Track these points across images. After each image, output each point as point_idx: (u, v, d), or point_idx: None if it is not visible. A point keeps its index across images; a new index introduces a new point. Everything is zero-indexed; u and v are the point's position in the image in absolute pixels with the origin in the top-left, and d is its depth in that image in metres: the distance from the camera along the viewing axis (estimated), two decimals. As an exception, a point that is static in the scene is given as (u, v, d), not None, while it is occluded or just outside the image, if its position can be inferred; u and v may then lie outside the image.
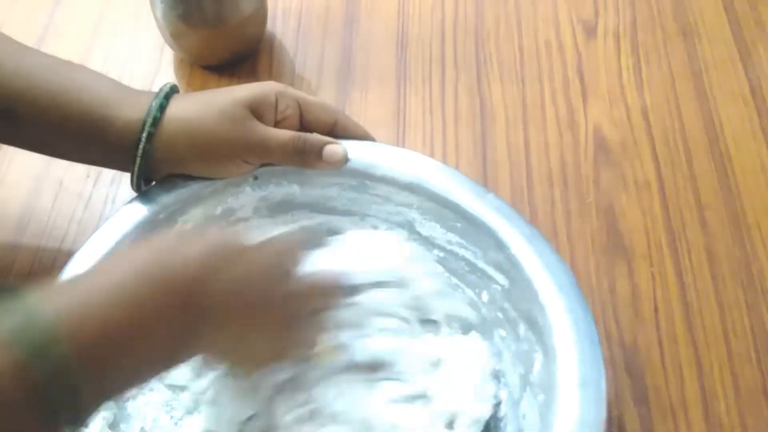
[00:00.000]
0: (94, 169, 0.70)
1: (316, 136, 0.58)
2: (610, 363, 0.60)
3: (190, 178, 0.58)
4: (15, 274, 0.65)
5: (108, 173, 0.70)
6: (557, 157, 0.71)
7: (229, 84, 0.76)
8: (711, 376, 0.60)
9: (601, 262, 0.65)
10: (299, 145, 0.57)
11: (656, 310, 0.63)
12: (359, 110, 0.74)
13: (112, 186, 0.69)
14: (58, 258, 0.65)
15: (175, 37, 0.75)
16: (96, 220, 0.67)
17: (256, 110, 0.57)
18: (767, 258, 0.65)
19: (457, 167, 0.70)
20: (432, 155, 0.71)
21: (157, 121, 0.55)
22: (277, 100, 0.58)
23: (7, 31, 0.74)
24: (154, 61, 0.78)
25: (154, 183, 0.58)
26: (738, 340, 0.61)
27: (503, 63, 0.77)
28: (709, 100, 0.74)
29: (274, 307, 0.48)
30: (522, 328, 0.54)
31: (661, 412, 0.58)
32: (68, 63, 0.58)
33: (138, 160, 0.55)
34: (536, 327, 0.52)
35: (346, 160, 0.58)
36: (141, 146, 0.55)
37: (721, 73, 0.76)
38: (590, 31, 0.79)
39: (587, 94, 0.75)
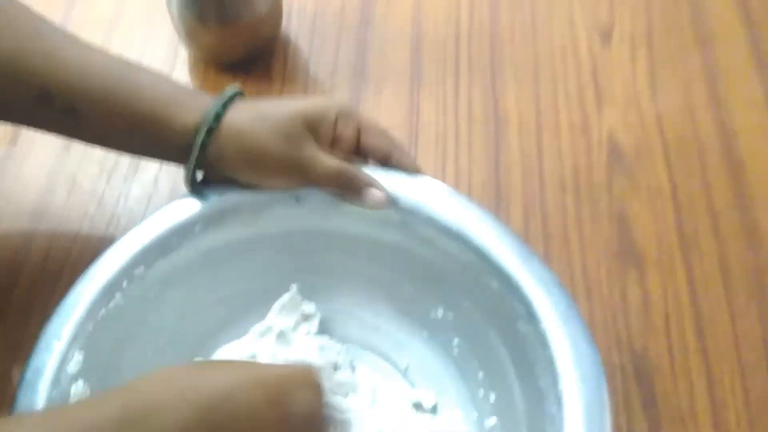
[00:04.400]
0: (106, 167, 0.70)
1: (362, 174, 0.57)
2: (619, 369, 0.60)
3: (236, 186, 0.57)
4: (27, 270, 0.65)
5: (121, 171, 0.70)
6: (570, 162, 0.71)
7: (244, 83, 0.76)
8: (721, 385, 0.59)
9: (613, 268, 0.65)
10: (343, 177, 0.56)
11: (667, 317, 0.62)
12: (372, 111, 0.74)
13: (125, 183, 0.70)
14: (71, 254, 0.66)
15: (190, 36, 0.75)
16: (108, 217, 0.68)
17: (313, 125, 0.56)
18: (780, 268, 0.64)
19: (469, 170, 0.70)
20: (444, 158, 0.71)
21: (212, 131, 0.55)
22: (336, 119, 0.57)
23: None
24: (169, 59, 0.79)
25: (204, 184, 0.58)
26: (749, 350, 0.61)
27: (518, 67, 0.77)
28: (723, 107, 0.74)
29: None
30: (538, 412, 0.52)
31: (670, 421, 0.58)
32: (130, 63, 0.59)
33: (191, 166, 0.56)
34: (549, 415, 0.50)
35: (385, 206, 0.57)
36: (194, 155, 0.55)
37: (736, 81, 0.75)
38: (606, 37, 0.79)
39: (601, 100, 0.75)
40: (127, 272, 0.54)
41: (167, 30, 0.78)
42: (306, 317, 0.61)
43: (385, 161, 0.58)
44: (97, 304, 0.52)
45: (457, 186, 0.69)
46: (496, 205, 0.68)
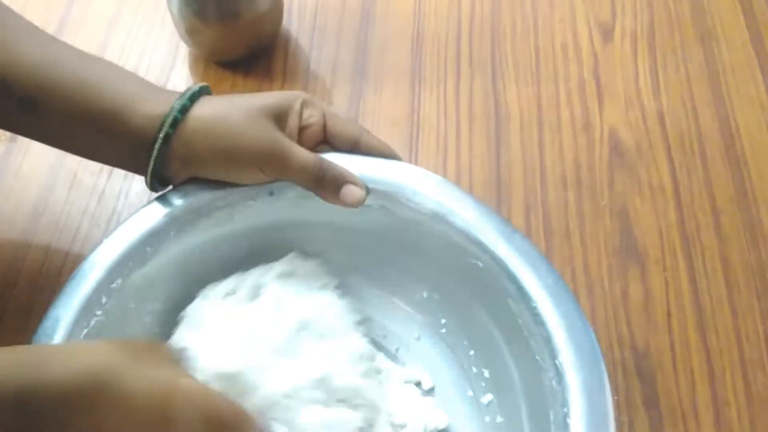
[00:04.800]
0: (107, 163, 0.70)
1: (338, 169, 0.55)
2: (621, 366, 0.60)
3: (206, 185, 0.56)
4: (28, 266, 0.65)
5: (121, 167, 0.70)
6: (571, 159, 0.70)
7: (244, 80, 0.76)
8: (723, 382, 0.59)
9: (614, 265, 0.65)
10: (320, 173, 0.54)
11: (669, 314, 0.62)
12: (373, 109, 0.74)
13: (126, 180, 0.70)
14: (71, 251, 0.65)
15: (191, 33, 0.75)
16: (109, 214, 0.68)
17: (281, 117, 0.55)
18: (782, 264, 0.64)
19: (470, 167, 0.70)
20: (445, 155, 0.71)
21: (177, 122, 0.53)
22: (302, 107, 0.56)
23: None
24: (169, 56, 0.79)
25: (170, 187, 0.56)
26: (751, 347, 0.61)
27: (519, 64, 0.77)
28: (726, 104, 0.73)
29: None
30: (536, 388, 0.52)
31: (672, 417, 0.58)
32: (94, 56, 0.57)
33: (152, 161, 0.54)
34: (551, 391, 0.50)
35: (362, 203, 0.55)
36: (157, 146, 0.53)
37: (738, 77, 0.75)
38: (607, 34, 0.79)
39: (603, 97, 0.74)
40: (104, 287, 0.52)
41: (167, 28, 0.78)
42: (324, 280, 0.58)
43: (354, 147, 0.57)
44: (79, 324, 0.51)
45: (458, 182, 0.69)
46: (498, 201, 0.68)
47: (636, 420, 0.58)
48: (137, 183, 0.69)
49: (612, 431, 0.47)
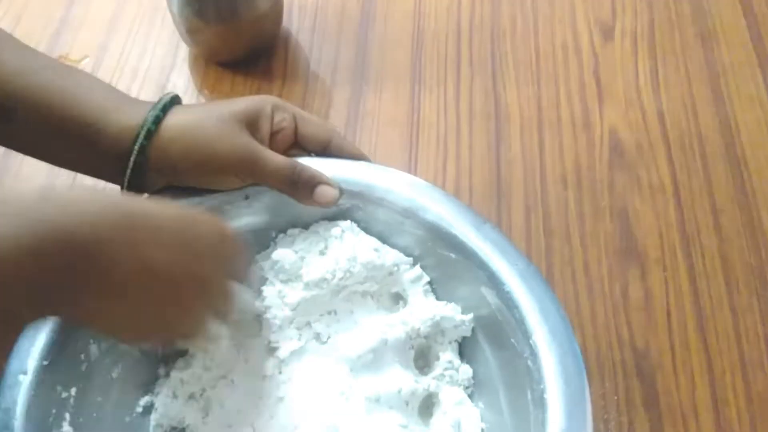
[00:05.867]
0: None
1: (311, 171, 0.56)
2: (621, 367, 0.60)
3: (183, 191, 0.56)
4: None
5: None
6: (572, 159, 0.70)
7: (244, 80, 0.76)
8: (723, 383, 0.59)
9: (614, 265, 0.65)
10: (293, 176, 0.56)
11: (669, 314, 0.62)
12: (373, 109, 0.74)
13: (126, 180, 0.69)
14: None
15: (191, 33, 0.75)
16: (109, 214, 0.68)
17: (252, 122, 0.56)
18: (782, 264, 0.64)
19: (470, 167, 0.70)
20: (445, 155, 0.71)
21: (151, 134, 0.54)
22: (273, 112, 0.57)
23: (24, 25, 0.75)
24: (170, 56, 0.79)
25: (145, 196, 0.56)
26: (751, 347, 0.61)
27: (519, 64, 0.77)
28: (726, 104, 0.73)
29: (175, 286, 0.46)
30: (512, 370, 0.53)
31: (672, 418, 0.58)
32: (70, 67, 0.58)
33: (129, 171, 0.54)
34: (527, 370, 0.51)
35: (336, 202, 0.57)
36: (132, 158, 0.54)
37: (738, 77, 0.75)
38: (607, 34, 0.79)
39: (603, 97, 0.74)
40: None
41: (168, 28, 0.78)
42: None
43: (325, 149, 0.59)
44: (58, 331, 0.51)
45: (458, 183, 0.69)
46: (498, 201, 0.68)
47: (636, 420, 0.58)
48: (137, 183, 0.69)
49: (587, 403, 0.48)
